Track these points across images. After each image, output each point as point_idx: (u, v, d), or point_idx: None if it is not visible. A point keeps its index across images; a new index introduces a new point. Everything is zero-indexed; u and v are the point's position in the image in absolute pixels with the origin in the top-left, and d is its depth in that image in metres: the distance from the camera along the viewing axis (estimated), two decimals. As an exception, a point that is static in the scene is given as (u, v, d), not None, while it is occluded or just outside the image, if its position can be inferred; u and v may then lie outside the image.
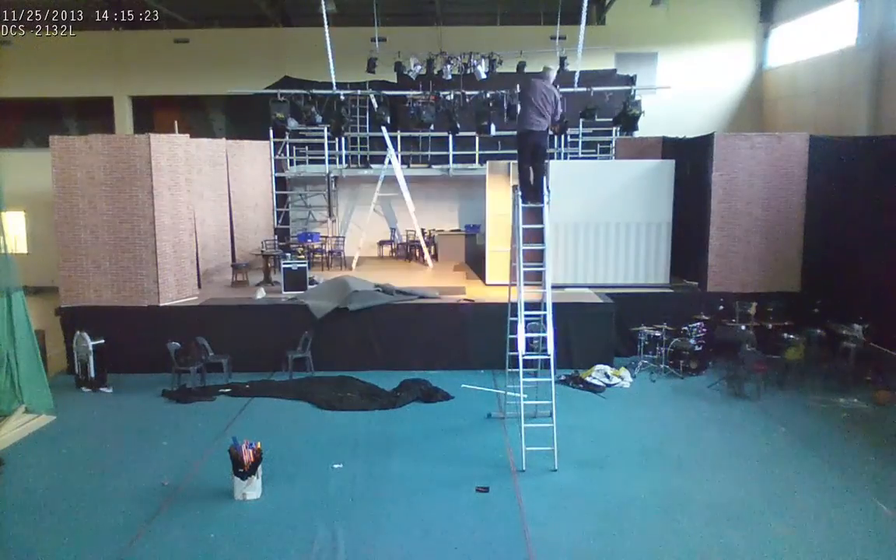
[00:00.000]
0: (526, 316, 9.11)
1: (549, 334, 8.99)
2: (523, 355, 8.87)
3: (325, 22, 16.33)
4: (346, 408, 10.90)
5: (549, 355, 9.02)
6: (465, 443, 9.67)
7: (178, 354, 11.85)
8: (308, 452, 9.35)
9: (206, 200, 14.85)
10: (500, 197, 14.34)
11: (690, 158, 14.29)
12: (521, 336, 8.94)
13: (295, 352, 12.30)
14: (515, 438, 9.12)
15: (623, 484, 8.39)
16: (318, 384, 11.86)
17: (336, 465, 8.89)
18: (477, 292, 13.79)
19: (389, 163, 17.16)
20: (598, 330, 12.67)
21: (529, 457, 8.71)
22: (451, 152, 18.11)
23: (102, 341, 11.88)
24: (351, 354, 12.56)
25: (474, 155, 18.10)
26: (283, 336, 12.53)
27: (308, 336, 12.38)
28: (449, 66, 16.21)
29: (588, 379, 12.07)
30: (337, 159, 18.22)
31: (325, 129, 17.38)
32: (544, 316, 9.10)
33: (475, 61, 16.06)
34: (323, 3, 16.03)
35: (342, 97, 15.95)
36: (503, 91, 15.93)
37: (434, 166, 18.47)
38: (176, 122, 15.57)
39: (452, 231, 19.27)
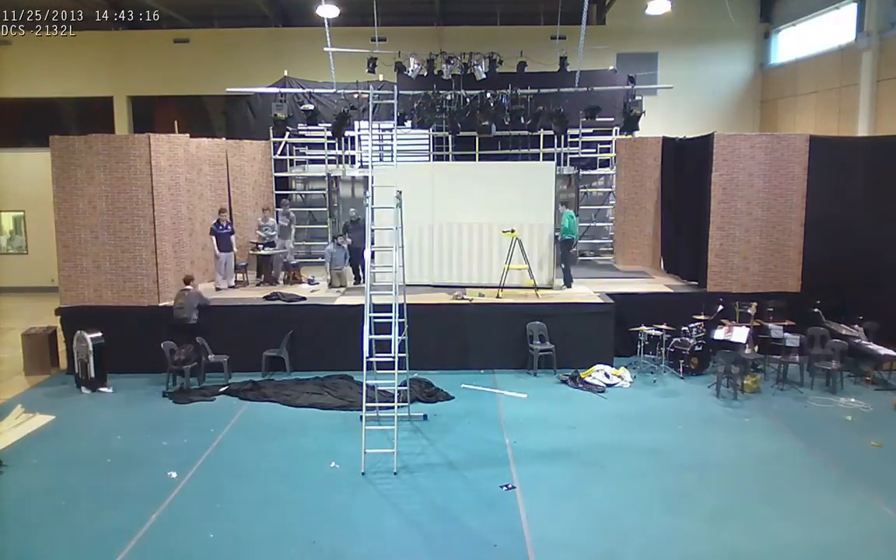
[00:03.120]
0: (376, 317, 9.37)
1: (395, 336, 9.11)
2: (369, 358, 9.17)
3: (326, 23, 16.31)
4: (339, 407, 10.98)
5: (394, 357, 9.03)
6: (465, 442, 9.67)
7: (172, 354, 11.84)
8: (308, 451, 9.35)
9: (206, 200, 14.84)
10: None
11: (690, 158, 14.27)
12: (366, 337, 9.23)
13: (273, 350, 12.34)
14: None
15: (623, 484, 8.39)
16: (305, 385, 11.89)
17: (333, 464, 8.90)
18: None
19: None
20: (598, 330, 12.66)
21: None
22: (451, 152, 18.10)
23: (100, 334, 11.87)
24: (354, 355, 12.52)
25: (474, 155, 18.07)
26: (282, 336, 12.54)
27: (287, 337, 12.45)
28: (449, 66, 16.19)
29: (588, 379, 12.06)
30: (337, 160, 18.21)
31: (326, 129, 17.38)
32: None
33: (475, 61, 16.04)
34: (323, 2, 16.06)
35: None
36: (503, 91, 15.89)
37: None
38: (176, 122, 15.55)
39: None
